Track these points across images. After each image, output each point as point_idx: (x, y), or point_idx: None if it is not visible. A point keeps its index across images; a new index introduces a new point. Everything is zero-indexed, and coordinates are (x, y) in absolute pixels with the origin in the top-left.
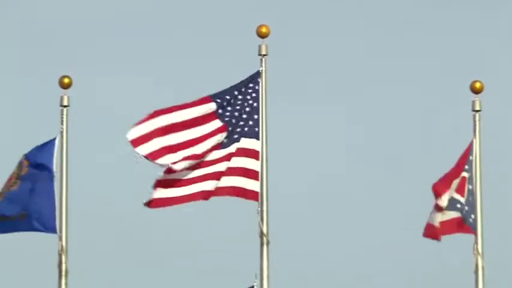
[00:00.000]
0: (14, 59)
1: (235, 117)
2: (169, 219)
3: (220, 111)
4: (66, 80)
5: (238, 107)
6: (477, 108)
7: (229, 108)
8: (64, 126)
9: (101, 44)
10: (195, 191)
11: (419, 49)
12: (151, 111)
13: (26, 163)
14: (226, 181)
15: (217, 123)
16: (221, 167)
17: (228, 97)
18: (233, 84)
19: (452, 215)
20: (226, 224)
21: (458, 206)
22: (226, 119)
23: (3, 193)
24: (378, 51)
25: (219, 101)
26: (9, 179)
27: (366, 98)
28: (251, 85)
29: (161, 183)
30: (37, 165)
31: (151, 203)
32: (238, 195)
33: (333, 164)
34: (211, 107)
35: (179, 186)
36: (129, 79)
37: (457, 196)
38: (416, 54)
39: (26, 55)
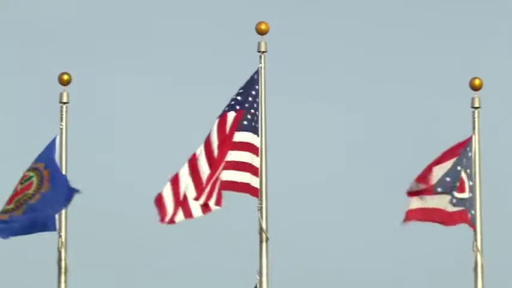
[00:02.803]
0: (14, 56)
1: (246, 107)
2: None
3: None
4: (65, 77)
5: (248, 99)
6: (476, 105)
7: (239, 98)
8: (63, 123)
9: (101, 41)
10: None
11: (419, 46)
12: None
13: (42, 166)
14: (232, 175)
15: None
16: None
17: (235, 97)
18: (234, 84)
19: (449, 208)
20: (225, 221)
21: (462, 201)
22: (244, 105)
23: (22, 204)
24: (377, 49)
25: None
26: (26, 188)
27: (366, 95)
28: (252, 84)
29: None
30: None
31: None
32: (243, 191)
33: (332, 160)
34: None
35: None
36: (128, 76)
37: (459, 194)
38: (416, 52)
39: (25, 52)
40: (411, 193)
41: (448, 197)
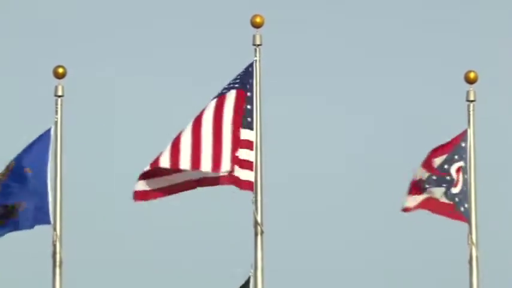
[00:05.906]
0: (8, 49)
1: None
2: (164, 210)
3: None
4: (60, 70)
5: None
6: (471, 98)
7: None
8: (58, 116)
9: (97, 34)
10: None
11: (414, 40)
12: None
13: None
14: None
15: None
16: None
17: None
18: (229, 77)
19: (442, 199)
20: (220, 215)
21: (454, 194)
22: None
23: None
24: (373, 43)
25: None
26: None
27: (361, 89)
28: (247, 76)
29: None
30: (31, 159)
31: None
32: (232, 184)
33: (328, 153)
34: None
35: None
36: (124, 69)
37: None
38: (411, 45)
39: (20, 45)
40: (415, 182)
41: (443, 189)
